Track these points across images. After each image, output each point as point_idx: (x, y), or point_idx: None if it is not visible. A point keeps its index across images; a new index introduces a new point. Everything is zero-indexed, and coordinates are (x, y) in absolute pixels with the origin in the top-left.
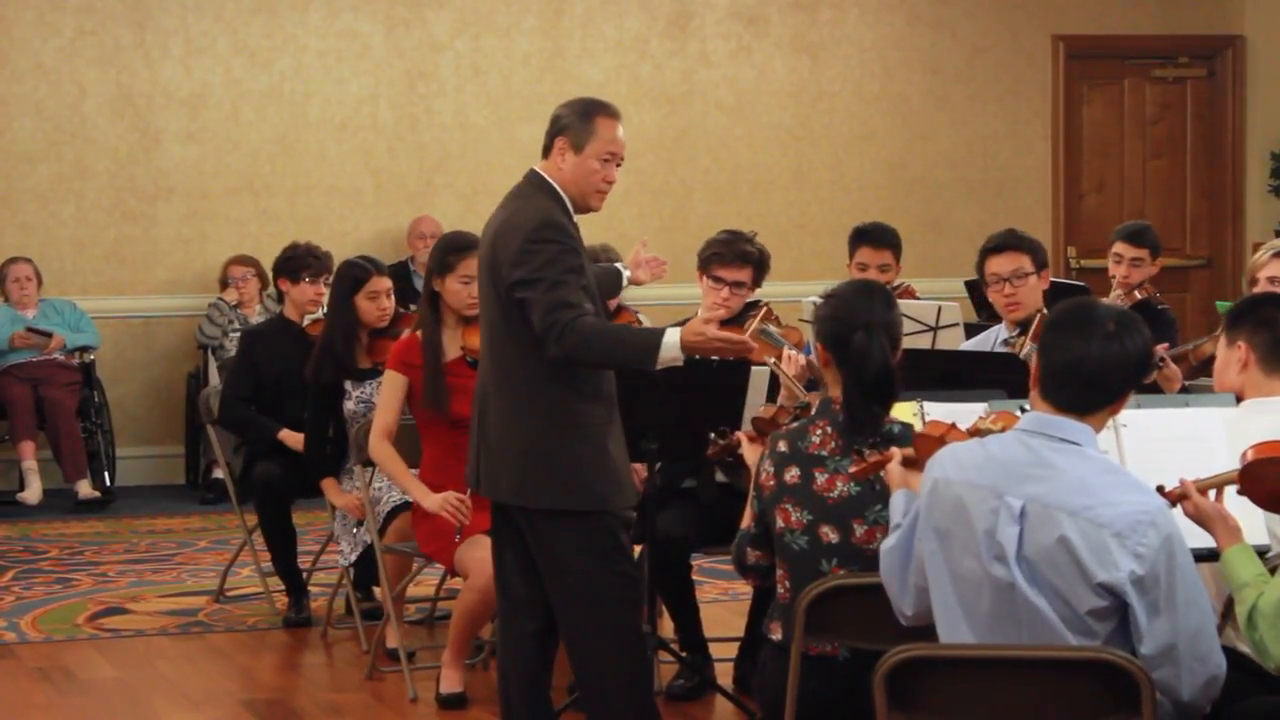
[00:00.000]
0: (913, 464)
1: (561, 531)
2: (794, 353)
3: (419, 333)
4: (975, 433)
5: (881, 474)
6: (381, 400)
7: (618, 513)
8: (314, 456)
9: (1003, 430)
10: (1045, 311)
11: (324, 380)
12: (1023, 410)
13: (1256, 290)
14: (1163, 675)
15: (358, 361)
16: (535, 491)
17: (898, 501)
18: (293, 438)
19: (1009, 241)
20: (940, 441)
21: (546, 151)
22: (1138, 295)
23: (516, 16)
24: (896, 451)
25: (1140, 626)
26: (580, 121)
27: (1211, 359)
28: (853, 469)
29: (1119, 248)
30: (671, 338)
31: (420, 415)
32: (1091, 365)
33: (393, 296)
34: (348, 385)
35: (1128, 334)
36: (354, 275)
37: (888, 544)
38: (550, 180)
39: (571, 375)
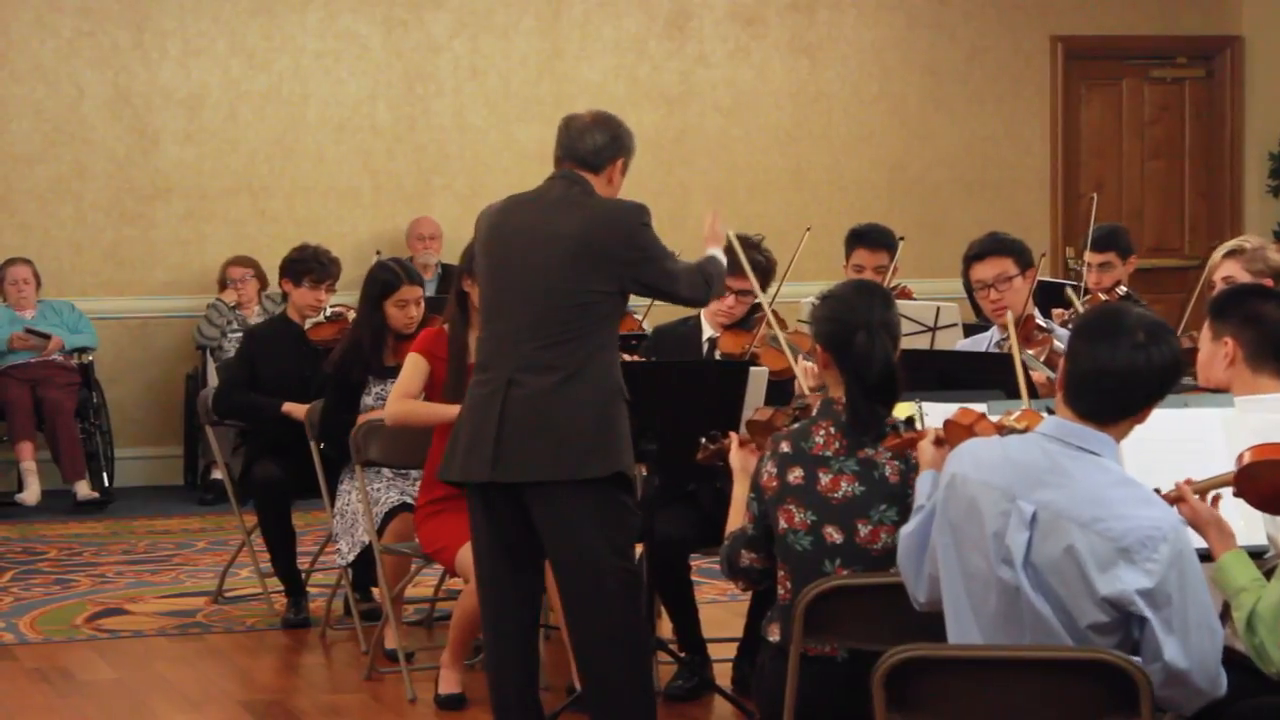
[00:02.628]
0: (944, 444)
1: (590, 502)
2: (810, 364)
3: (446, 326)
4: (1002, 429)
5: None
6: (403, 376)
7: (634, 505)
8: (335, 435)
9: (1026, 430)
10: (1035, 312)
11: (353, 380)
12: (1049, 412)
13: (1214, 292)
14: (1168, 694)
15: (384, 360)
16: (596, 459)
17: (924, 483)
18: (298, 409)
19: (989, 247)
20: (969, 431)
21: (598, 168)
22: (1102, 297)
23: (515, 17)
24: (931, 430)
25: (1158, 641)
26: (632, 145)
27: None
28: (886, 444)
29: (1087, 256)
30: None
31: None
32: (1116, 374)
33: (422, 305)
34: (369, 380)
35: (1155, 344)
36: (385, 279)
37: (907, 528)
38: (595, 190)
39: (615, 349)
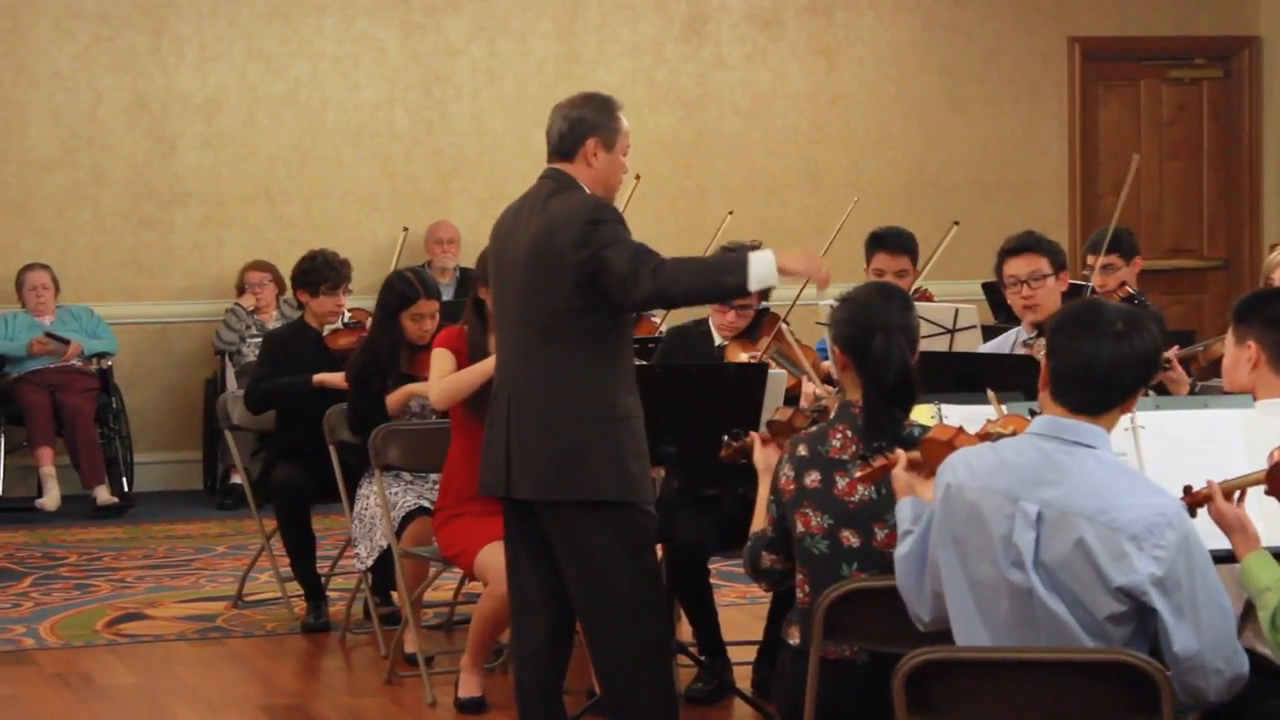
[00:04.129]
0: (919, 468)
1: (598, 526)
2: (812, 388)
3: (465, 326)
4: (985, 436)
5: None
6: (434, 368)
7: (651, 508)
8: (366, 424)
9: (1013, 434)
10: None
11: (373, 390)
12: (1032, 413)
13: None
14: (1190, 680)
15: (400, 366)
16: (584, 482)
17: (904, 509)
18: (331, 378)
19: (1026, 243)
20: (949, 446)
21: (570, 154)
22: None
23: (532, 21)
24: (902, 455)
25: (1167, 630)
26: (608, 120)
27: (1221, 360)
28: (858, 474)
29: (1089, 259)
30: (764, 254)
31: (456, 411)
32: (1102, 366)
33: (437, 318)
34: (389, 384)
35: (1136, 332)
36: (403, 291)
37: (900, 552)
38: (576, 179)
39: (615, 367)
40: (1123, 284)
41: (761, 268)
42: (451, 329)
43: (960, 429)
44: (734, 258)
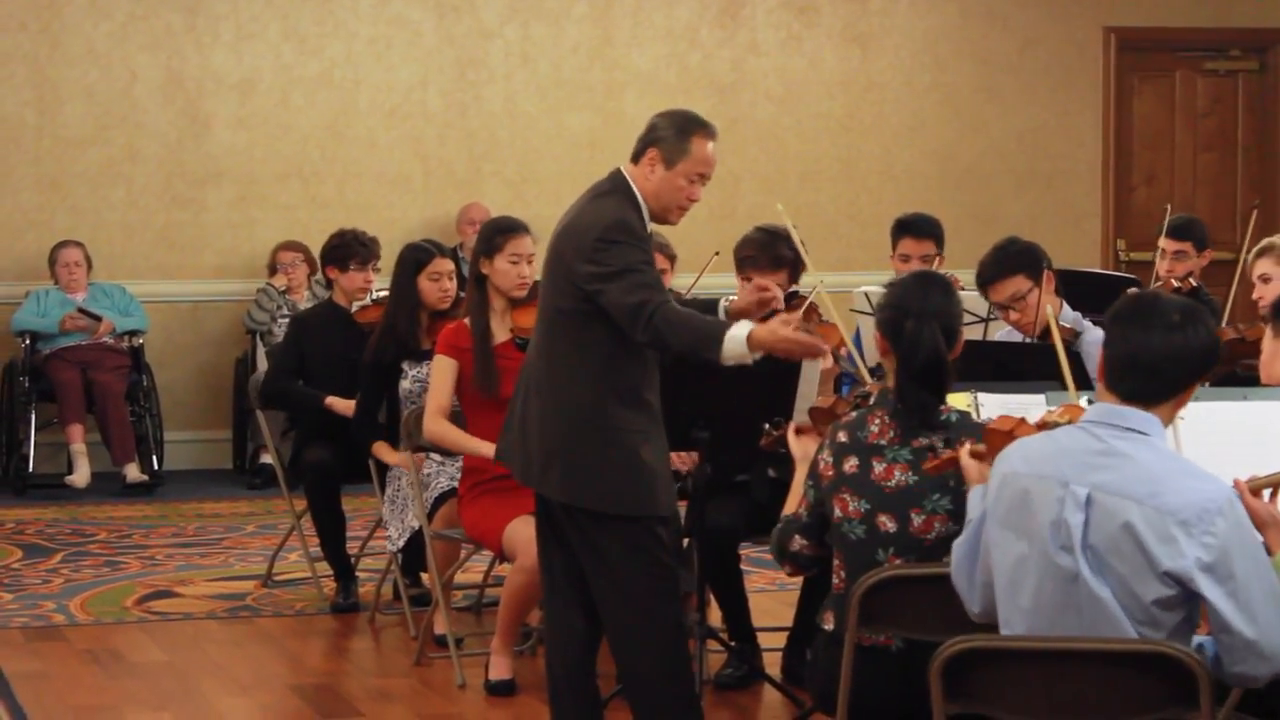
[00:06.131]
0: (983, 458)
1: (598, 526)
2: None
3: (466, 319)
4: (1043, 426)
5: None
6: (433, 384)
7: (651, 512)
8: (363, 425)
9: (1069, 423)
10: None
11: (386, 362)
12: (1089, 403)
13: (1255, 290)
14: (1244, 669)
15: (418, 342)
16: (566, 488)
17: (974, 497)
18: (340, 403)
19: (997, 272)
20: (1010, 436)
21: (637, 157)
22: (1173, 284)
23: (566, 4)
24: (966, 444)
25: (1221, 614)
26: (676, 137)
27: (1229, 345)
28: (926, 465)
29: (1162, 242)
30: (739, 330)
31: (467, 398)
32: (1152, 356)
33: (455, 279)
34: (405, 365)
35: (1191, 325)
36: (416, 257)
37: (959, 541)
38: (633, 185)
39: (609, 378)
40: (1189, 274)
41: (734, 346)
42: (450, 327)
43: (1022, 420)
44: (716, 331)
